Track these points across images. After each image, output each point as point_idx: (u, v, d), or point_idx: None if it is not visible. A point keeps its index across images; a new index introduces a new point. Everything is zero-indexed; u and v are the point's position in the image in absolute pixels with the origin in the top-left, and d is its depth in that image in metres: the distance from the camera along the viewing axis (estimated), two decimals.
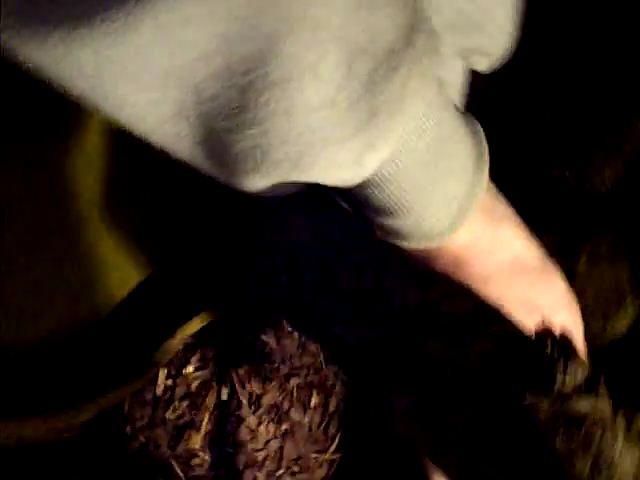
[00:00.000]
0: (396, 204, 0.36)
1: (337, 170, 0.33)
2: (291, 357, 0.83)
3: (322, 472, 0.83)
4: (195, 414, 0.73)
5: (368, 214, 0.38)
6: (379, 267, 0.42)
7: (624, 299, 0.52)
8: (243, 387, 0.78)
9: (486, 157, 0.38)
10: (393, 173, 0.34)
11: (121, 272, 0.54)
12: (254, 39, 0.28)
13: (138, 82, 0.29)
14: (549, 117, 0.54)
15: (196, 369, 0.74)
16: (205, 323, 0.62)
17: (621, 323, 0.52)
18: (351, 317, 0.43)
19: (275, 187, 0.34)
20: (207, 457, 0.73)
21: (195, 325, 0.61)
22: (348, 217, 0.41)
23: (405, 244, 0.38)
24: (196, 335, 0.66)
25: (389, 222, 0.37)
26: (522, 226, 0.42)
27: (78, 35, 0.27)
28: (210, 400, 0.75)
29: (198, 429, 0.72)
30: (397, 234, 0.38)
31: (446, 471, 0.41)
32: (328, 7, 0.28)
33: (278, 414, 0.81)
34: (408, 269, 0.40)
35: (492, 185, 0.40)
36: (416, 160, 0.34)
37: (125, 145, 0.48)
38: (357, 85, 0.30)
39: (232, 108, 0.30)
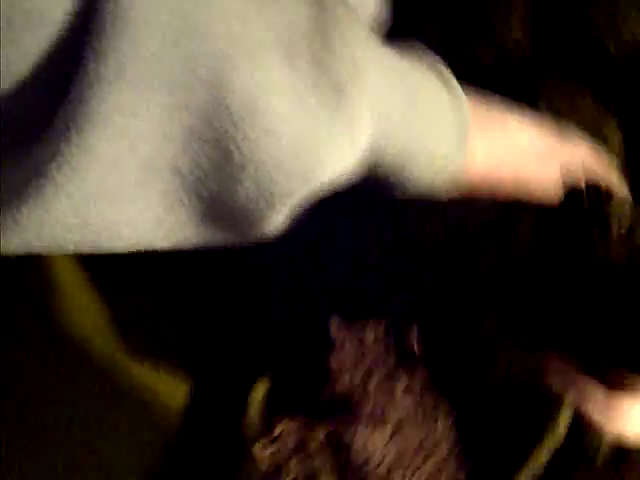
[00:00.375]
0: (404, 159, 0.36)
1: (341, 160, 0.32)
2: (356, 363, 0.82)
3: (449, 442, 0.81)
4: (310, 465, 0.71)
5: (389, 191, 0.38)
6: (394, 224, 0.40)
7: (602, 129, 0.51)
8: (333, 415, 0.77)
9: (447, 73, 0.38)
10: (383, 131, 0.34)
11: (168, 384, 0.53)
12: (201, 88, 0.27)
13: (121, 199, 0.28)
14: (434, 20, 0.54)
15: (283, 428, 0.72)
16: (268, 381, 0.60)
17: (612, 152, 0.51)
18: (395, 281, 0.42)
19: (294, 215, 0.34)
20: None
21: (262, 386, 0.59)
22: (338, 201, 0.39)
23: (439, 190, 0.38)
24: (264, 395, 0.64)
25: (411, 184, 0.38)
26: (524, 114, 0.43)
27: (44, 194, 0.26)
28: (312, 444, 0.73)
29: (322, 473, 0.71)
30: (424, 188, 0.38)
31: (565, 360, 0.40)
32: (245, 21, 0.28)
33: (378, 419, 0.79)
34: (422, 207, 0.39)
35: (476, 94, 0.40)
36: (392, 107, 0.34)
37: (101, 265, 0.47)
38: (310, 72, 0.30)
39: (217, 164, 0.29)
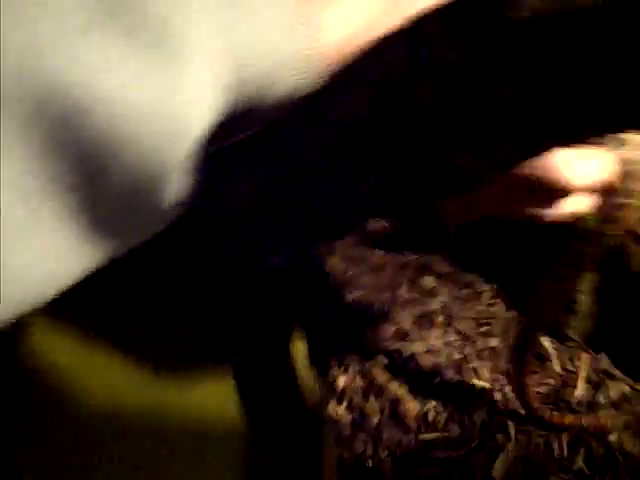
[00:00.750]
0: (262, 76, 0.34)
1: (201, 104, 0.31)
2: (377, 283, 0.80)
3: (505, 309, 0.80)
4: (389, 394, 0.69)
5: (279, 107, 0.36)
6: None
7: None
8: (381, 341, 0.75)
9: None
10: (226, 54, 0.32)
11: (214, 392, 0.50)
12: (33, 97, 0.26)
13: (19, 241, 0.26)
14: None
15: (345, 379, 0.71)
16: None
17: None
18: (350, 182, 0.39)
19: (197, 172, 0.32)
20: (444, 406, 0.70)
21: (300, 346, 0.56)
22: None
23: (306, 74, 0.36)
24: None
25: (286, 91, 0.35)
26: None
27: None
28: (380, 376, 0.71)
29: (404, 395, 0.69)
30: (301, 87, 0.36)
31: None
32: (40, 5, 0.26)
33: (427, 318, 0.78)
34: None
35: None
36: (226, 28, 0.32)
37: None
38: (125, 29, 0.29)
39: (87, 162, 0.28)
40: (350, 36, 0.38)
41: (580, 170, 0.42)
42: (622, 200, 0.44)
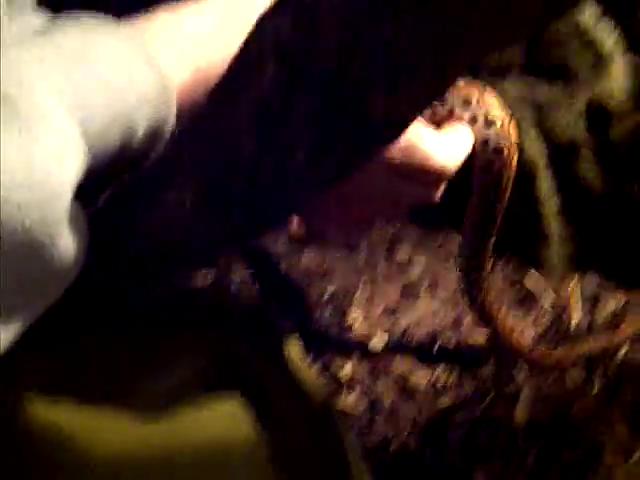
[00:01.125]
0: (123, 129, 0.34)
1: (65, 165, 0.30)
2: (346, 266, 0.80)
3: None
4: (396, 368, 0.69)
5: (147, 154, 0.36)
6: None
7: None
8: (375, 326, 0.74)
9: (99, 21, 0.35)
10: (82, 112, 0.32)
11: (223, 413, 0.49)
12: None
13: None
14: None
15: (348, 368, 0.70)
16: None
17: None
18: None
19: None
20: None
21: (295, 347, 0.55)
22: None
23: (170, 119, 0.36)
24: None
25: (154, 136, 0.36)
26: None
27: None
28: (382, 357, 0.71)
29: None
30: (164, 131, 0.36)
31: None
32: None
33: (417, 293, 0.77)
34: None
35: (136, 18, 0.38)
36: (81, 91, 0.32)
37: None
38: None
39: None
40: (202, 67, 0.38)
41: (447, 150, 0.43)
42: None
